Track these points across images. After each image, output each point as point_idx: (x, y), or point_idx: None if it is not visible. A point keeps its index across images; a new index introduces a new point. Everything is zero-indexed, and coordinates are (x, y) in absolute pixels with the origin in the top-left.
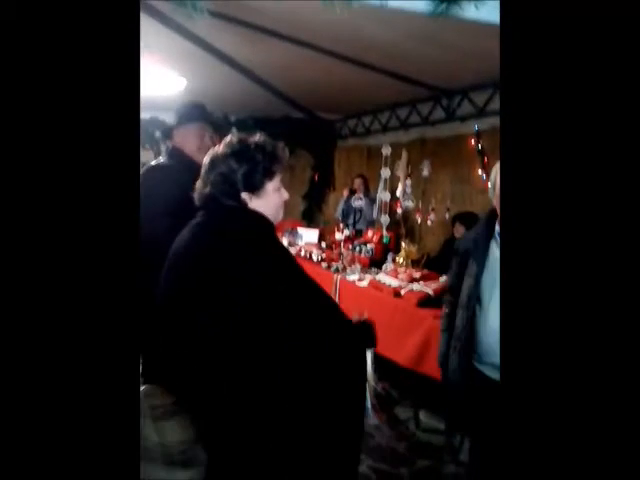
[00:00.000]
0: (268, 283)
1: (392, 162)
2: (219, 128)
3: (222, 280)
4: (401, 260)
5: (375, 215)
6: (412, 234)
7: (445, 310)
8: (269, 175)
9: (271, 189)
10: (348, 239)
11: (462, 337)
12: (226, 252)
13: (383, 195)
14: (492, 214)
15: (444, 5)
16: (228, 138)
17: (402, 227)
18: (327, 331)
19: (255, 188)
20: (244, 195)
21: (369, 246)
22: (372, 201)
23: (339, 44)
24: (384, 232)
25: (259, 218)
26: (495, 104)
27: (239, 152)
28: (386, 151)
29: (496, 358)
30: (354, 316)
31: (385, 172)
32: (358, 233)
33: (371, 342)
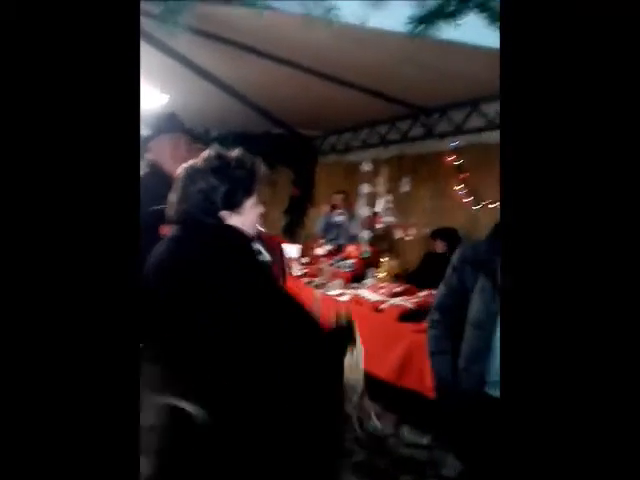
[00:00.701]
0: (249, 291)
1: (372, 178)
2: (197, 137)
3: (202, 290)
4: (381, 275)
5: (356, 230)
6: (392, 249)
7: (434, 331)
8: (249, 193)
9: (249, 206)
10: (329, 254)
11: (477, 358)
12: (206, 264)
13: (363, 210)
14: (498, 227)
15: (422, 26)
16: (206, 153)
17: (382, 242)
18: (302, 339)
19: (235, 206)
20: (223, 213)
21: (350, 261)
22: (353, 216)
23: (319, 62)
24: (365, 247)
25: (237, 233)
26: (473, 121)
27: (219, 169)
28: (366, 167)
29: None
30: (340, 314)
31: (365, 188)
32: (339, 248)
33: (350, 340)
